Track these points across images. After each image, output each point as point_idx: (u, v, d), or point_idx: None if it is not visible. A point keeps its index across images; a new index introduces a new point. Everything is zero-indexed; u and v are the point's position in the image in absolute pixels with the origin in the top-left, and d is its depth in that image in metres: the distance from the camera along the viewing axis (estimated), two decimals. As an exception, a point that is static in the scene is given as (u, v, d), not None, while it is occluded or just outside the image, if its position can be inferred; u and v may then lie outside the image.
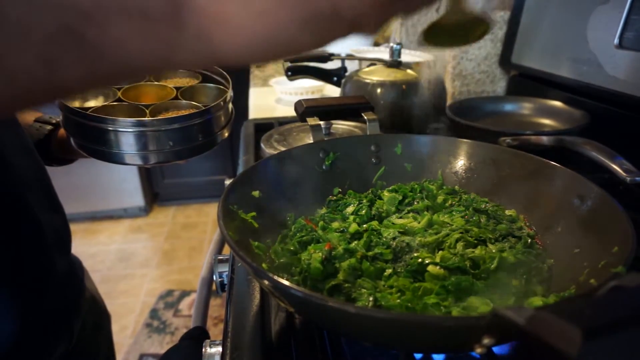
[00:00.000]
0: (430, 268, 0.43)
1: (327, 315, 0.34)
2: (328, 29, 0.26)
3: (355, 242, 0.49)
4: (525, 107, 0.95)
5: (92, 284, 0.79)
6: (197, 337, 0.63)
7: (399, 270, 0.44)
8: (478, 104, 0.96)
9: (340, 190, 0.61)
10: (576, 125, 0.78)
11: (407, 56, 1.13)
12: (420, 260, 0.44)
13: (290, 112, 0.72)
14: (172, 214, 3.01)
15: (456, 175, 0.62)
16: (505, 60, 1.06)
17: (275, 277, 0.33)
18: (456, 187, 0.61)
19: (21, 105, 0.27)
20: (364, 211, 0.55)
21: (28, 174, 0.59)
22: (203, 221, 2.92)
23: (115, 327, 0.94)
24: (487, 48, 1.09)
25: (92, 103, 0.68)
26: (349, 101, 0.70)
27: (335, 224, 0.54)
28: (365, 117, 0.67)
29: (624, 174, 0.54)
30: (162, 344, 1.94)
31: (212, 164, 3.02)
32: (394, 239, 0.48)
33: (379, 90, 0.89)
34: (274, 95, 1.44)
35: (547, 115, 0.91)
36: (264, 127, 1.01)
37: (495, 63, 1.10)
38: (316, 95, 1.39)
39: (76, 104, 0.66)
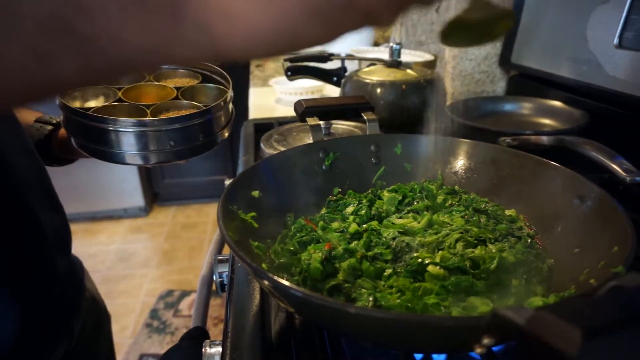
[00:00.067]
0: (430, 268, 0.43)
1: (327, 315, 0.34)
2: (339, 20, 0.24)
3: (355, 242, 0.49)
4: (525, 107, 0.95)
5: (92, 284, 0.79)
6: (197, 337, 0.63)
7: (398, 270, 0.44)
8: (478, 104, 0.96)
9: (340, 190, 0.61)
10: (576, 125, 0.78)
11: (407, 56, 1.13)
12: (420, 260, 0.44)
13: (290, 112, 0.72)
14: (172, 214, 3.01)
15: (456, 175, 0.62)
16: (505, 60, 1.06)
17: (275, 277, 0.33)
18: (456, 187, 0.61)
19: (14, 99, 0.26)
20: (363, 211, 0.55)
21: (28, 174, 0.59)
22: (203, 221, 2.92)
23: (115, 327, 0.94)
24: (486, 48, 1.09)
25: (92, 103, 0.68)
26: (348, 101, 0.70)
27: (335, 224, 0.54)
28: (365, 117, 0.67)
29: (624, 173, 0.54)
30: (162, 344, 1.94)
31: (212, 164, 3.02)
32: (393, 239, 0.48)
33: (378, 90, 0.89)
34: (274, 95, 1.44)
35: (547, 115, 0.91)
36: (264, 127, 1.01)
37: (495, 63, 1.10)
38: (316, 95, 1.39)
39: (77, 104, 0.66)
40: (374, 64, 0.99)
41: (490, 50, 1.09)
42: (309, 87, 1.39)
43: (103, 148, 0.60)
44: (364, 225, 0.52)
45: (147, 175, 2.99)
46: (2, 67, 0.22)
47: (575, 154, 0.63)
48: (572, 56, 0.85)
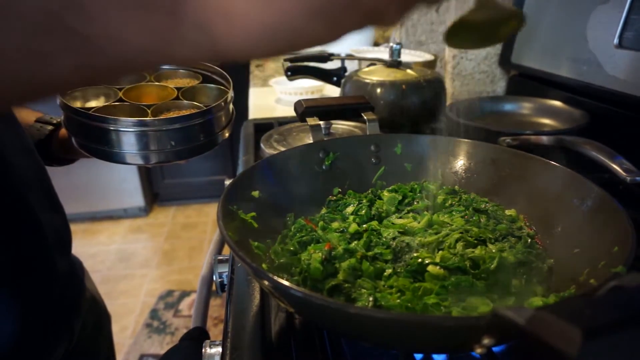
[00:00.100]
0: (430, 268, 0.43)
1: (327, 316, 0.34)
2: (341, 20, 0.23)
3: (355, 242, 0.49)
4: (525, 107, 0.95)
5: (92, 284, 0.79)
6: (197, 337, 0.63)
7: (398, 270, 0.44)
8: (478, 104, 0.96)
9: (340, 190, 0.61)
10: (576, 125, 0.78)
11: (407, 56, 1.13)
12: (420, 260, 0.44)
13: (290, 112, 0.72)
14: (172, 214, 3.01)
15: (456, 175, 0.62)
16: (505, 60, 1.06)
17: (275, 278, 0.33)
18: (456, 187, 0.61)
19: (14, 98, 0.26)
20: (363, 211, 0.55)
21: (28, 174, 0.59)
22: (203, 221, 2.92)
23: (115, 327, 0.94)
24: (486, 48, 1.09)
25: (93, 103, 0.68)
26: (348, 101, 0.70)
27: (335, 224, 0.54)
28: (365, 117, 0.67)
29: (624, 173, 0.54)
30: (162, 344, 1.94)
31: (212, 164, 3.02)
32: (393, 239, 0.48)
33: (378, 90, 0.89)
34: (274, 95, 1.44)
35: (547, 115, 0.91)
36: (264, 127, 1.01)
37: (495, 63, 1.10)
38: (316, 95, 1.39)
39: (78, 104, 0.66)
40: (374, 64, 0.99)
41: (490, 50, 1.09)
42: (309, 87, 1.39)
43: (104, 148, 0.60)
44: (364, 225, 0.52)
45: (147, 175, 2.99)
46: (1, 66, 0.22)
47: (575, 154, 0.63)
48: (572, 56, 0.85)
